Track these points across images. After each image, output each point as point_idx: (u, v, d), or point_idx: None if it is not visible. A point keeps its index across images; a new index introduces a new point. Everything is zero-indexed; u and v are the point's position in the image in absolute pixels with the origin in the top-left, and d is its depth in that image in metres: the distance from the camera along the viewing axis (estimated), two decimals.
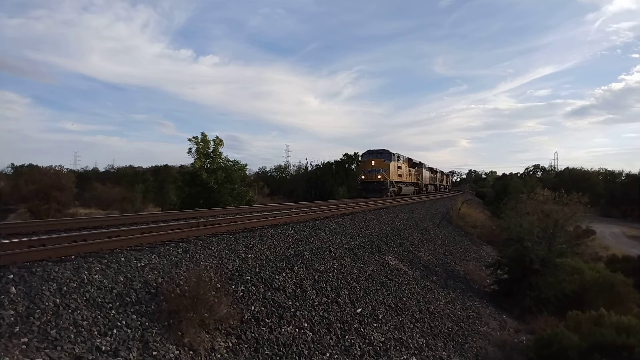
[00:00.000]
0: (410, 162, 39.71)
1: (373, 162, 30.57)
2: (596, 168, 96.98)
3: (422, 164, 47.16)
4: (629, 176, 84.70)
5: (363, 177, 30.44)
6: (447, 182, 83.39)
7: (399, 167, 33.81)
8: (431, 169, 57.41)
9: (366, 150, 33.36)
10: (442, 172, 73.11)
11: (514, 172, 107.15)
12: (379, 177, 29.84)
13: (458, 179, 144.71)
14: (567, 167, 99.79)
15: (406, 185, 36.55)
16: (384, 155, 31.57)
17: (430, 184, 54.59)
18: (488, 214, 38.76)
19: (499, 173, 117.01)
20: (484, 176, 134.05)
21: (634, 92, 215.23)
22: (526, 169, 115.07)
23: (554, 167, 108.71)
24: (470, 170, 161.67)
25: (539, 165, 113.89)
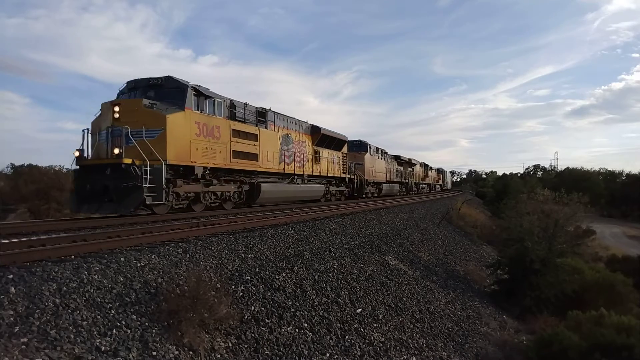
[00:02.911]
0: (328, 140, 22.31)
1: (117, 108, 11.45)
2: (596, 168, 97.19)
3: (367, 145, 29.43)
4: (629, 176, 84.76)
5: (76, 153, 11.72)
6: (440, 181, 68.41)
7: (250, 137, 15.15)
8: (397, 158, 38.77)
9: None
10: (427, 166, 56.17)
11: (514, 172, 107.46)
12: (116, 152, 10.96)
13: (458, 179, 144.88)
14: (568, 167, 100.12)
15: (282, 182, 17.84)
16: (164, 90, 12.28)
17: (395, 182, 37.14)
18: (488, 214, 38.72)
19: (499, 173, 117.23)
20: (484, 176, 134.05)
21: (634, 92, 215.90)
22: (526, 168, 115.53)
23: (554, 167, 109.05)
24: (470, 170, 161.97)
25: (539, 165, 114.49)
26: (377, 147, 31.87)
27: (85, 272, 5.20)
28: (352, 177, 26.22)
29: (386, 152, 35.25)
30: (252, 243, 8.58)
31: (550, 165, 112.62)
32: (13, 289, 4.42)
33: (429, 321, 9.66)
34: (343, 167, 24.84)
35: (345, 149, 25.42)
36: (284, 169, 17.81)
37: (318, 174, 21.37)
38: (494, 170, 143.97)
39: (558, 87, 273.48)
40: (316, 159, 21.24)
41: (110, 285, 5.17)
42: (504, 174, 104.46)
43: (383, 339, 7.78)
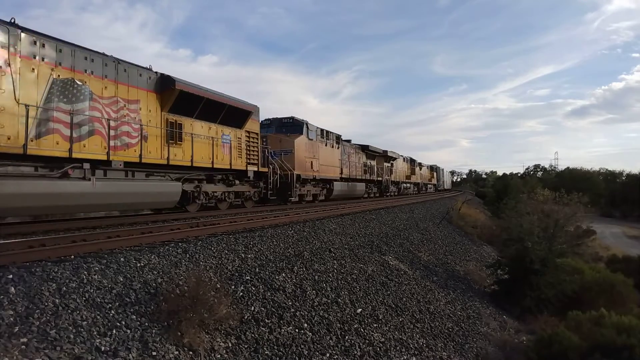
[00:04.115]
0: (205, 105, 13.16)
1: None
2: (596, 168, 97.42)
3: (302, 124, 20.37)
4: (629, 176, 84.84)
5: None
6: (434, 180, 60.00)
7: None
8: (364, 149, 30.13)
9: None
10: (414, 162, 46.93)
11: (514, 172, 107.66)
12: None
13: (458, 179, 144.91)
14: (568, 167, 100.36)
15: (44, 176, 8.83)
16: None
17: (360, 180, 28.07)
18: (488, 214, 38.71)
19: (499, 173, 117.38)
20: (484, 176, 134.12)
21: (635, 92, 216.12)
22: (526, 168, 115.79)
23: (554, 167, 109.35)
24: (470, 170, 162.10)
25: (539, 165, 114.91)
26: (326, 131, 22.96)
27: (85, 272, 5.20)
28: (268, 170, 16.90)
29: (348, 141, 27.63)
30: (252, 243, 8.58)
31: (551, 165, 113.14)
32: (13, 289, 4.42)
33: (429, 321, 9.66)
34: (249, 155, 15.81)
35: (253, 125, 16.20)
36: (25, 147, 8.30)
37: (166, 161, 11.83)
38: (494, 170, 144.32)
39: (558, 87, 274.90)
40: (173, 136, 12.16)
41: (110, 286, 5.17)
42: (504, 174, 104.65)
43: (383, 339, 7.78)
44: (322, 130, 22.58)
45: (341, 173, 24.95)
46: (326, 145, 22.90)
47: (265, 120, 19.88)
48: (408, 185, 43.33)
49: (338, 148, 24.75)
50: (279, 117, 20.77)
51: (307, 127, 20.74)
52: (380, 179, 33.14)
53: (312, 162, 20.84)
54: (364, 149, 30.41)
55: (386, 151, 34.94)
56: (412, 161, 46.32)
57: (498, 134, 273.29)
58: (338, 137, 24.96)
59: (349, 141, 28.04)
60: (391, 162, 36.74)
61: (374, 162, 32.13)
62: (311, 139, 21.01)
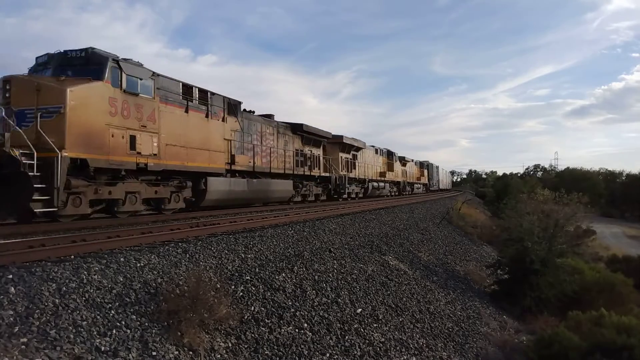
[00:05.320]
0: None
1: None
2: (596, 168, 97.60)
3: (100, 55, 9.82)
4: (629, 176, 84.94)
5: None
6: (424, 179, 51.91)
7: None
8: (296, 129, 20.10)
9: None
10: (393, 156, 37.06)
11: (514, 172, 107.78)
12: None
13: (458, 179, 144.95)
14: (568, 167, 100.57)
15: None
16: None
17: (285, 176, 18.43)
18: (488, 214, 38.71)
19: (499, 173, 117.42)
20: (484, 176, 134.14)
21: (634, 92, 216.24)
22: (526, 168, 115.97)
23: (554, 167, 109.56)
24: (470, 170, 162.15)
25: (539, 165, 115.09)
26: (198, 88, 13.28)
27: (85, 272, 5.19)
28: None
29: (269, 116, 18.92)
30: (252, 243, 8.58)
31: (550, 165, 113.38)
32: (13, 289, 4.42)
33: (429, 321, 9.66)
34: None
35: None
36: None
37: None
38: (494, 170, 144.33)
39: (558, 87, 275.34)
40: None
41: (110, 286, 5.16)
42: (504, 174, 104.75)
43: (383, 339, 7.78)
44: (182, 84, 12.59)
45: (232, 163, 14.95)
46: (187, 112, 12.62)
47: (43, 55, 10.53)
48: (381, 184, 33.27)
49: (226, 121, 14.58)
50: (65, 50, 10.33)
51: (121, 69, 10.39)
52: (328, 174, 23.57)
53: (137, 136, 10.80)
54: (297, 129, 20.25)
55: (341, 136, 25.08)
56: (389, 154, 36.13)
57: (498, 134, 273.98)
58: (233, 106, 15.09)
59: (269, 116, 18.76)
60: (352, 153, 27.38)
61: (318, 151, 22.69)
62: (136, 94, 10.76)
